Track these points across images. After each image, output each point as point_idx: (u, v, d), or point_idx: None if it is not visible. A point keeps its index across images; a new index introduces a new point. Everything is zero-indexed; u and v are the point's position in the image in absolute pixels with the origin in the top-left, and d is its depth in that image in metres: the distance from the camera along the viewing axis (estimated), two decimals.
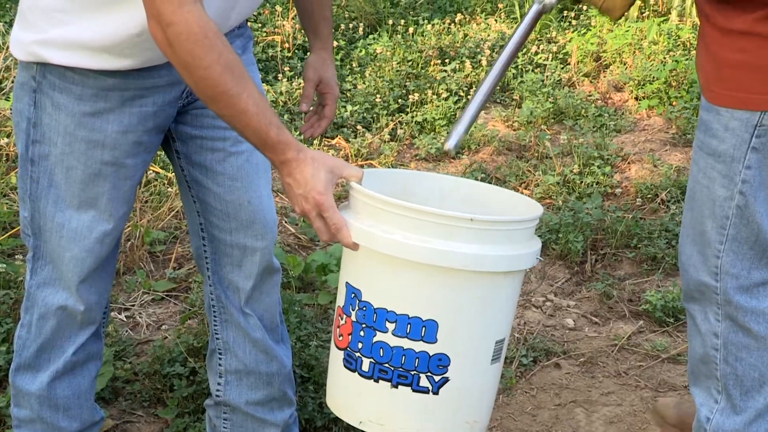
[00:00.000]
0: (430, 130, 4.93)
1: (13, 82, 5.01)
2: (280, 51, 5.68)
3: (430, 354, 1.95)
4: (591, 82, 5.53)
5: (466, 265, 1.90)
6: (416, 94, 5.18)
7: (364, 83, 5.38)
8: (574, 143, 4.63)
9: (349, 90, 5.36)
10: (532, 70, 5.61)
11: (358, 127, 4.91)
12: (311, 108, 2.50)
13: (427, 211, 1.90)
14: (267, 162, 2.26)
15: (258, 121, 1.98)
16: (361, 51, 5.91)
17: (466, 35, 6.07)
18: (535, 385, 2.98)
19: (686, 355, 3.10)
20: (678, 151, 4.69)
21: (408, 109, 5.09)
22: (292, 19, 5.98)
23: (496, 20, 6.42)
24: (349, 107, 5.06)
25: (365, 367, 1.99)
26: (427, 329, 1.95)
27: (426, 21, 6.39)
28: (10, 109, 4.38)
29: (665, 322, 3.33)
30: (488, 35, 6.06)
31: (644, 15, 6.24)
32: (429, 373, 1.96)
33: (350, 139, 4.78)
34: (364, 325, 1.98)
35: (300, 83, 5.16)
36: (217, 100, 2.01)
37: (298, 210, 2.03)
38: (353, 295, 2.01)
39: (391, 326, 1.95)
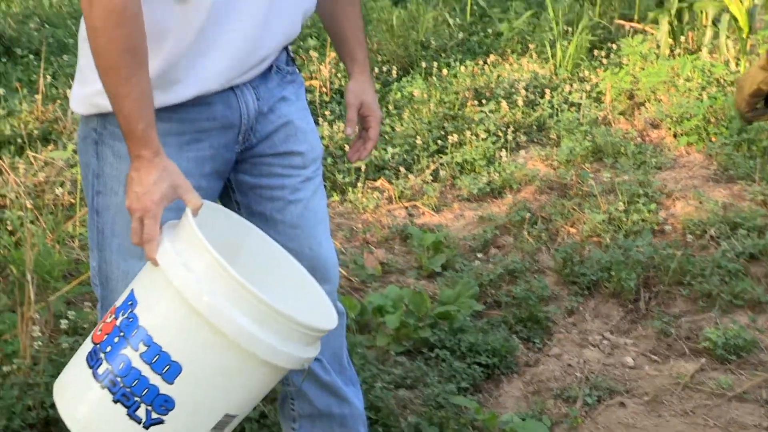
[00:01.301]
0: (471, 170, 4.89)
1: (65, 132, 5.04)
2: (319, 96, 5.68)
3: (161, 391, 1.92)
4: (627, 119, 5.49)
5: (232, 333, 1.87)
6: (455, 135, 5.16)
7: (402, 125, 5.35)
8: (617, 181, 4.59)
9: (388, 132, 5.33)
10: (568, 109, 5.58)
11: (400, 168, 4.88)
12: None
13: (222, 267, 1.88)
14: (325, 207, 2.42)
15: (133, 109, 2.00)
16: (396, 93, 5.91)
17: (499, 76, 6.05)
18: (601, 424, 2.92)
19: (753, 393, 3.06)
20: (721, 186, 4.62)
21: (448, 150, 5.05)
22: (329, 63, 5.99)
23: (528, 60, 6.41)
24: (390, 149, 5.03)
25: (101, 370, 1.96)
26: (170, 368, 1.92)
27: (458, 63, 6.39)
28: (66, 160, 4.39)
29: (727, 360, 3.26)
30: (521, 75, 6.05)
31: (675, 53, 6.22)
32: (150, 407, 1.92)
33: (393, 181, 4.75)
34: (122, 334, 1.95)
35: (340, 126, 5.16)
36: (107, 73, 2.02)
37: (127, 203, 2.04)
38: (130, 302, 1.99)
39: (142, 348, 1.92)
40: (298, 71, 2.44)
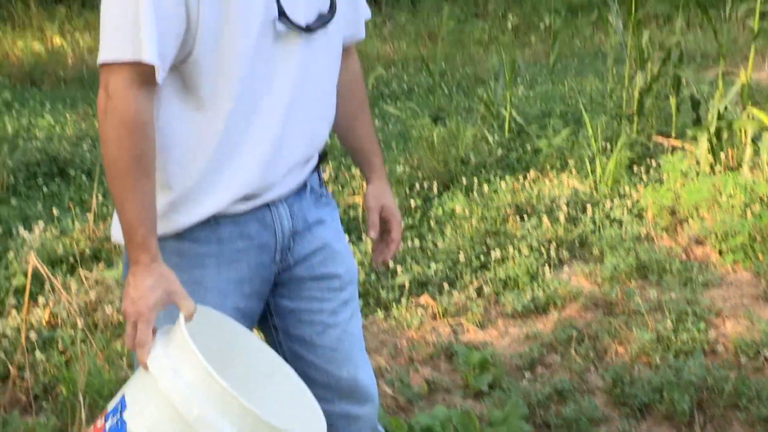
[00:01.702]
0: (514, 286, 4.84)
1: (115, 251, 5.06)
2: (362, 212, 5.68)
3: None
4: (670, 236, 5.44)
5: None
6: (497, 251, 5.12)
7: (444, 241, 5.34)
8: (663, 299, 4.53)
9: (430, 248, 5.31)
10: (610, 225, 5.55)
11: (444, 284, 4.84)
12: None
13: (211, 377, 1.87)
14: (360, 328, 2.47)
15: (135, 216, 2.06)
16: (438, 209, 5.92)
17: (540, 192, 6.05)
18: None
19: None
20: None
21: (491, 266, 5.02)
22: None
23: (567, 176, 6.41)
24: (433, 265, 5.00)
25: None
26: None
27: (498, 179, 6.40)
28: (116, 278, 4.40)
29: None
30: (562, 191, 6.04)
31: (716, 170, 6.20)
32: None
33: (437, 297, 4.71)
34: None
35: None
36: (114, 178, 2.09)
37: (123, 306, 2.08)
38: (119, 407, 1.99)
39: None
40: (330, 194, 2.48)
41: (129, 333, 2.04)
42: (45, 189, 6.55)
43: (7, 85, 10.99)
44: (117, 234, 2.24)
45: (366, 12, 2.56)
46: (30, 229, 5.29)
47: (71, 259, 4.92)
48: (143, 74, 2.03)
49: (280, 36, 2.19)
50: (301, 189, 2.35)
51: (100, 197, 5.91)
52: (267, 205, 2.27)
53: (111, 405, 2.03)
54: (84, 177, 6.70)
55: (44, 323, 4.23)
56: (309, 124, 2.32)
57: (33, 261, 4.09)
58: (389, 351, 4.23)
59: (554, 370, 4.04)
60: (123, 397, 2.03)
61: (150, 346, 2.00)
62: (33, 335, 4.01)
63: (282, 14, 2.14)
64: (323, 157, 2.48)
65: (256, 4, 2.12)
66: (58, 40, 14.30)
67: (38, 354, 3.92)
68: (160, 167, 2.17)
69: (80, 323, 4.01)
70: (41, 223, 5.31)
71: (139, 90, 2.05)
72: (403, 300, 4.66)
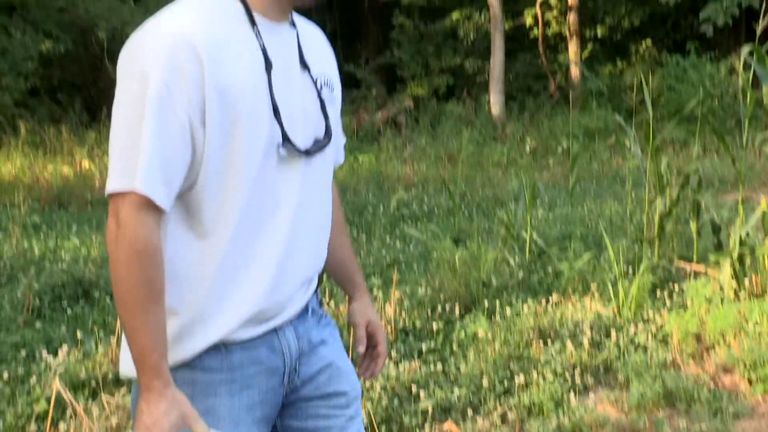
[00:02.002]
0: (539, 413, 4.75)
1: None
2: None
3: None
4: (697, 363, 5.35)
5: None
6: (521, 376, 5.05)
7: (467, 365, 5.27)
8: (693, 429, 4.44)
9: (453, 372, 5.25)
10: (635, 351, 5.47)
11: (467, 410, 4.76)
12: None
13: None
14: None
15: (148, 341, 2.08)
16: (460, 332, 5.86)
17: (562, 315, 6.00)
18: None
19: None
20: None
21: (515, 391, 4.94)
22: (394, 303, 5.98)
23: (590, 300, 6.36)
24: (456, 390, 4.93)
25: None
26: None
27: (520, 301, 6.37)
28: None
29: None
30: (585, 315, 5.99)
31: (740, 296, 6.14)
32: None
33: (460, 423, 4.63)
34: None
35: (406, 366, 5.11)
36: (125, 305, 2.10)
37: (141, 427, 2.07)
38: None
39: None
40: (327, 313, 2.55)
41: None
42: (69, 311, 6.54)
43: (36, 209, 11.10)
44: (126, 368, 2.24)
45: (343, 138, 2.65)
46: (54, 353, 5.27)
47: (93, 383, 4.87)
48: (150, 202, 2.07)
49: (282, 160, 2.24)
50: (304, 311, 2.39)
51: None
52: (274, 330, 2.30)
53: None
54: (108, 299, 6.69)
55: None
56: (310, 245, 2.38)
57: (56, 386, 4.07)
58: None
59: None
60: None
61: None
62: None
63: (286, 139, 2.21)
64: (320, 279, 2.52)
65: (261, 130, 2.18)
66: (86, 164, 14.49)
67: None
68: (167, 293, 2.18)
69: None
70: (65, 347, 5.28)
71: (147, 217, 2.08)
72: (427, 426, 4.57)
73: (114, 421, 4.24)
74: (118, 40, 17.68)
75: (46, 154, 15.23)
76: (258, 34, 2.24)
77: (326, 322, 2.50)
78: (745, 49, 6.84)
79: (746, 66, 7.09)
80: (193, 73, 2.08)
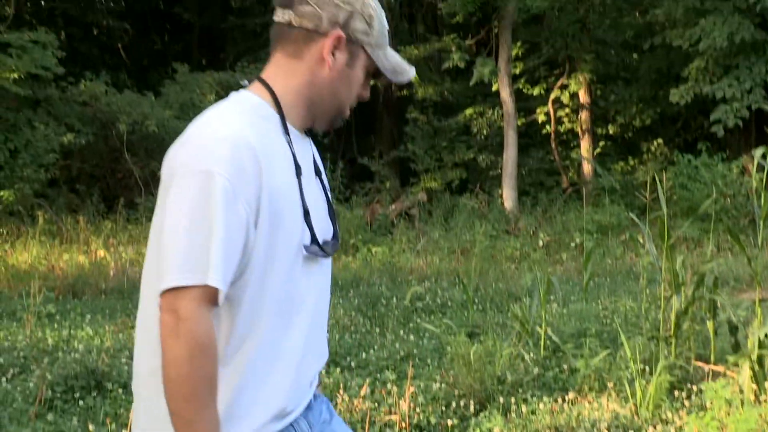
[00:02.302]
0: None
1: None
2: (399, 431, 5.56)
3: None
4: None
5: None
6: None
7: None
8: None
9: None
10: None
11: None
12: None
13: None
14: None
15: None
16: (475, 430, 5.77)
17: (579, 414, 5.90)
18: None
19: None
20: None
21: None
22: (409, 398, 5.89)
23: (607, 399, 6.26)
24: None
25: None
26: None
27: (535, 398, 6.29)
28: None
29: None
30: (602, 415, 5.88)
31: (761, 398, 6.04)
32: None
33: None
34: None
35: None
36: (184, 398, 2.14)
37: None
38: None
39: None
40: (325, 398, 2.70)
41: None
42: (81, 403, 6.44)
43: (51, 298, 11.05)
44: None
45: None
46: None
47: None
48: (211, 297, 2.14)
49: (306, 260, 2.37)
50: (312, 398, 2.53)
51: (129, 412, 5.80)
52: (291, 424, 2.38)
53: None
54: (120, 390, 6.61)
55: None
56: (320, 343, 2.53)
57: None
58: None
59: None
60: None
61: None
62: None
63: (315, 242, 2.36)
64: None
65: (295, 232, 2.32)
66: (102, 253, 14.51)
67: None
68: None
69: None
70: None
71: (208, 312, 2.15)
72: None
73: None
74: (138, 133, 17.88)
75: (63, 243, 15.26)
76: (290, 142, 2.36)
77: (321, 400, 2.61)
78: (758, 151, 6.90)
79: (759, 167, 7.10)
80: (254, 176, 2.19)
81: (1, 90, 15.60)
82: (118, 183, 18.73)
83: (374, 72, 2.55)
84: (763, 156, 6.84)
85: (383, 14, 2.56)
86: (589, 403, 6.22)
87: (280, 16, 2.44)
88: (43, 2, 23.66)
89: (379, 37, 2.51)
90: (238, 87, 2.54)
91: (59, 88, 17.83)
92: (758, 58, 17.95)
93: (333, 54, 2.43)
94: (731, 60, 18.32)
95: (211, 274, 2.13)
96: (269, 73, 2.47)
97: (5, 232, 15.54)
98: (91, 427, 5.62)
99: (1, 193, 15.93)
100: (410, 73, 2.62)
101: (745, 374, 6.18)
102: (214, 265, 2.14)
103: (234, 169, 2.16)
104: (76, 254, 14.47)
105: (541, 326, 7.78)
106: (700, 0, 18.71)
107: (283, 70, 2.46)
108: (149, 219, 11.45)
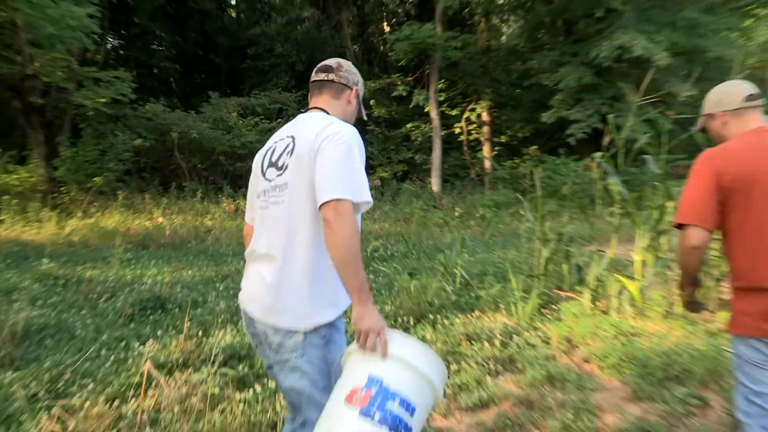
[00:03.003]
0: (466, 390, 4.77)
1: (199, 359, 4.99)
2: None
3: (405, 421, 2.30)
4: (568, 356, 5.40)
5: (435, 383, 2.43)
6: (455, 365, 5.09)
7: None
8: (566, 399, 4.48)
9: None
10: (528, 349, 5.51)
11: None
12: None
13: (424, 348, 2.45)
14: None
15: (363, 277, 2.40)
16: (413, 336, 5.87)
17: (482, 325, 6.04)
18: None
19: None
20: (635, 404, 4.48)
21: (450, 375, 4.97)
22: None
23: (500, 315, 6.41)
24: None
25: (376, 418, 2.27)
26: (410, 410, 2.32)
27: (454, 316, 6.40)
28: (200, 380, 4.33)
29: None
30: (496, 325, 6.04)
31: (595, 313, 6.23)
32: (401, 429, 2.29)
33: None
34: (380, 397, 2.29)
35: None
36: (349, 259, 2.38)
37: (366, 325, 2.38)
38: (375, 381, 2.33)
39: (396, 401, 2.30)
40: None
41: (373, 341, 2.37)
42: (151, 317, 6.53)
43: (129, 249, 11.04)
44: (305, 325, 2.54)
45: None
46: (143, 344, 5.27)
47: (169, 365, 4.87)
48: (366, 205, 2.50)
49: None
50: None
51: (188, 323, 5.89)
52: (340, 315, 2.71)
53: (358, 383, 2.34)
54: (177, 310, 6.68)
55: (152, 408, 4.19)
56: None
57: (148, 366, 4.08)
58: None
59: None
60: (370, 376, 2.36)
61: (387, 343, 2.37)
62: (144, 416, 3.96)
63: None
64: None
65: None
66: (160, 219, 14.42)
67: (149, 430, 3.87)
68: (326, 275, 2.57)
69: (176, 409, 3.96)
70: (150, 341, 5.28)
71: (355, 214, 2.44)
72: None
73: (184, 390, 4.23)
74: (184, 138, 17.75)
75: (135, 213, 15.15)
76: None
77: None
78: (597, 155, 7.05)
79: (597, 165, 7.25)
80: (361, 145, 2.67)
81: (96, 110, 15.58)
82: (171, 173, 18.57)
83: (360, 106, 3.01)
84: (601, 158, 6.98)
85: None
86: (488, 318, 6.37)
87: (324, 76, 2.89)
88: (122, 51, 23.47)
89: (363, 90, 3.02)
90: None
91: (132, 108, 17.70)
92: (595, 95, 18.21)
93: (355, 98, 2.94)
94: (579, 95, 18.53)
95: (365, 194, 2.47)
96: (322, 104, 2.87)
97: (98, 205, 15.44)
98: (158, 332, 5.70)
99: (95, 179, 15.84)
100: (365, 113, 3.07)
101: (585, 298, 6.36)
102: (365, 188, 2.48)
103: (359, 141, 2.61)
104: (144, 220, 14.36)
105: (457, 268, 7.89)
106: (560, 55, 18.97)
107: (330, 104, 2.87)
108: (192, 197, 11.53)
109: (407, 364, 2.35)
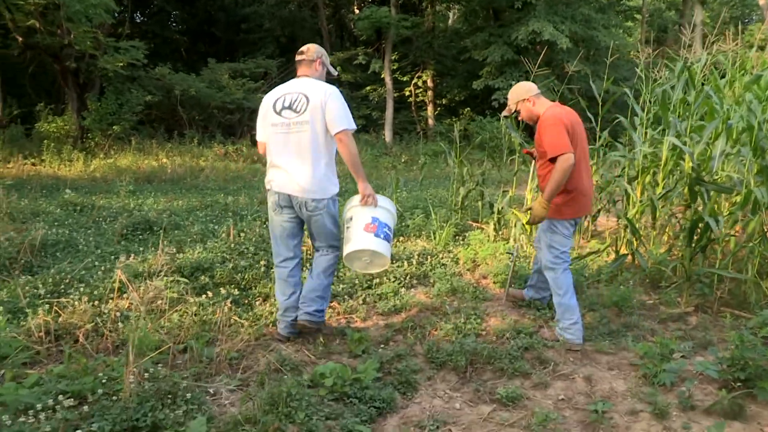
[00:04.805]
0: (384, 298, 4.67)
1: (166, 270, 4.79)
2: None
3: (390, 235, 3.65)
4: (471, 273, 5.36)
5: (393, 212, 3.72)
6: (377, 279, 4.98)
7: (348, 272, 5.13)
8: (462, 307, 4.43)
9: (341, 276, 5.14)
10: (440, 267, 5.43)
11: (345, 296, 4.67)
12: None
13: (389, 201, 3.72)
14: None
15: (362, 169, 3.51)
16: None
17: (405, 248, 5.94)
18: None
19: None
20: (516, 311, 4.47)
21: (373, 287, 4.87)
22: None
23: (421, 240, 6.33)
24: (341, 286, 4.85)
25: (382, 236, 3.56)
26: (390, 230, 3.65)
27: None
28: (164, 284, 4.17)
29: (508, 404, 3.06)
30: (416, 248, 5.95)
31: (497, 239, 6.18)
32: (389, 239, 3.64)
33: (341, 303, 4.55)
34: (379, 226, 3.55)
35: None
36: (355, 161, 3.45)
37: (368, 191, 3.56)
38: (375, 219, 3.56)
39: (386, 228, 3.58)
40: None
41: (369, 198, 3.57)
42: (140, 237, 6.32)
43: (134, 183, 10.71)
44: (321, 195, 3.49)
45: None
46: (128, 258, 5.07)
47: (145, 274, 4.68)
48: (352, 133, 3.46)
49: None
50: None
51: (163, 243, 5.67)
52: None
53: (367, 219, 3.55)
54: (161, 231, 6.47)
55: (126, 308, 4.04)
56: None
57: (120, 273, 3.91)
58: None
59: (399, 343, 3.90)
60: (372, 216, 3.54)
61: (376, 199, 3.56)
62: (118, 313, 3.83)
63: None
64: None
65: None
66: (165, 160, 14.04)
67: (120, 324, 3.74)
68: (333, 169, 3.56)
69: (142, 309, 3.82)
70: (133, 256, 5.09)
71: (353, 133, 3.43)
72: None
73: (151, 294, 4.07)
74: (186, 95, 17.21)
75: (144, 155, 14.74)
76: None
77: None
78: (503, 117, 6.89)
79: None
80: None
81: (115, 72, 15.31)
82: (175, 123, 17.99)
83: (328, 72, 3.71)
84: (506, 117, 6.83)
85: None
86: (412, 242, 6.28)
87: (301, 57, 3.64)
88: (143, 27, 22.73)
89: (328, 59, 3.70)
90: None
91: (145, 70, 17.12)
92: (515, 68, 18.09)
93: (320, 65, 3.66)
94: (502, 68, 18.42)
95: (353, 125, 3.40)
96: (306, 73, 3.61)
97: (116, 148, 15.10)
98: (141, 248, 5.49)
99: (114, 127, 15.54)
100: (335, 72, 3.73)
101: (490, 228, 6.30)
102: (353, 122, 3.41)
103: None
104: (151, 160, 13.97)
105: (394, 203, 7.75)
106: (488, 36, 18.78)
107: (308, 72, 3.62)
108: (190, 143, 11.13)
109: (386, 209, 3.56)
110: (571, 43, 17.05)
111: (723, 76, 6.40)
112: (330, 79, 3.71)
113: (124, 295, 4.22)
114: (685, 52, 5.75)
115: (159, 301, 4.01)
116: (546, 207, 3.68)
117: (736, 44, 6.24)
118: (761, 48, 5.92)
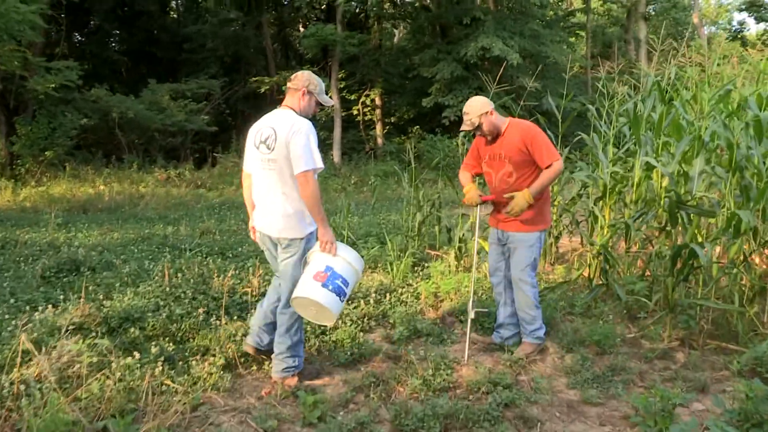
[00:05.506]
0: (341, 346, 4.12)
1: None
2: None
3: (344, 290, 3.26)
4: (434, 310, 4.88)
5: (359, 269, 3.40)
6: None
7: None
8: (428, 354, 3.94)
9: None
10: (400, 305, 4.94)
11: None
12: None
13: (352, 252, 3.35)
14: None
15: (323, 213, 3.24)
16: None
17: (361, 284, 5.43)
18: None
19: None
20: (488, 356, 4.01)
21: (328, 333, 4.32)
22: (259, 276, 5.25)
23: (377, 274, 5.84)
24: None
25: (330, 287, 3.20)
26: (345, 284, 3.26)
27: None
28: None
29: None
30: (373, 283, 5.46)
31: (459, 270, 5.74)
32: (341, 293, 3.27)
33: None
34: (331, 276, 3.21)
35: None
36: (316, 206, 3.21)
37: (327, 237, 3.25)
38: (329, 268, 3.22)
39: (339, 280, 3.22)
40: None
41: (327, 246, 3.24)
42: (65, 279, 5.58)
43: (64, 213, 9.84)
44: (294, 234, 3.35)
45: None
46: (53, 306, 4.33)
47: (64, 329, 3.98)
48: (316, 173, 3.23)
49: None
50: None
51: (85, 288, 4.95)
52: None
53: (320, 268, 3.22)
54: (89, 272, 5.75)
55: (34, 377, 3.33)
56: None
57: (23, 338, 3.25)
58: (257, 395, 3.48)
59: (360, 406, 3.36)
60: (327, 265, 3.22)
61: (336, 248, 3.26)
62: (22, 386, 3.14)
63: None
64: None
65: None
66: (102, 187, 13.17)
67: (23, 400, 3.05)
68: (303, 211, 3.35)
69: (52, 379, 3.15)
70: (50, 307, 4.36)
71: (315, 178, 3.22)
72: None
73: (65, 359, 3.39)
74: (124, 118, 16.38)
75: (80, 182, 13.84)
76: None
77: None
78: (461, 134, 6.59)
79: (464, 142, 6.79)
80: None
81: (48, 94, 14.61)
82: (113, 147, 17.08)
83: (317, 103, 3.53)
84: (464, 136, 6.55)
85: (321, 83, 3.54)
86: (369, 277, 5.78)
87: (288, 84, 3.48)
88: (81, 46, 21.72)
89: (320, 88, 3.52)
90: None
91: (80, 92, 16.25)
92: (464, 85, 17.99)
93: (305, 96, 3.47)
94: (452, 85, 18.26)
95: (320, 164, 3.23)
96: (289, 103, 3.45)
97: (49, 175, 14.15)
98: (61, 296, 4.79)
99: (47, 152, 14.77)
100: (330, 102, 3.65)
101: (451, 256, 5.88)
102: (317, 161, 3.22)
103: (313, 131, 3.28)
104: (87, 187, 13.11)
105: (345, 229, 7.28)
106: (437, 53, 18.61)
107: (292, 102, 3.45)
108: (129, 168, 10.42)
109: (345, 260, 3.23)
110: (521, 59, 17.03)
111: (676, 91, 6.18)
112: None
113: (33, 360, 3.53)
114: (638, 66, 5.49)
115: (77, 366, 3.36)
116: (529, 201, 3.68)
117: (689, 60, 6.02)
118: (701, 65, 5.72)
